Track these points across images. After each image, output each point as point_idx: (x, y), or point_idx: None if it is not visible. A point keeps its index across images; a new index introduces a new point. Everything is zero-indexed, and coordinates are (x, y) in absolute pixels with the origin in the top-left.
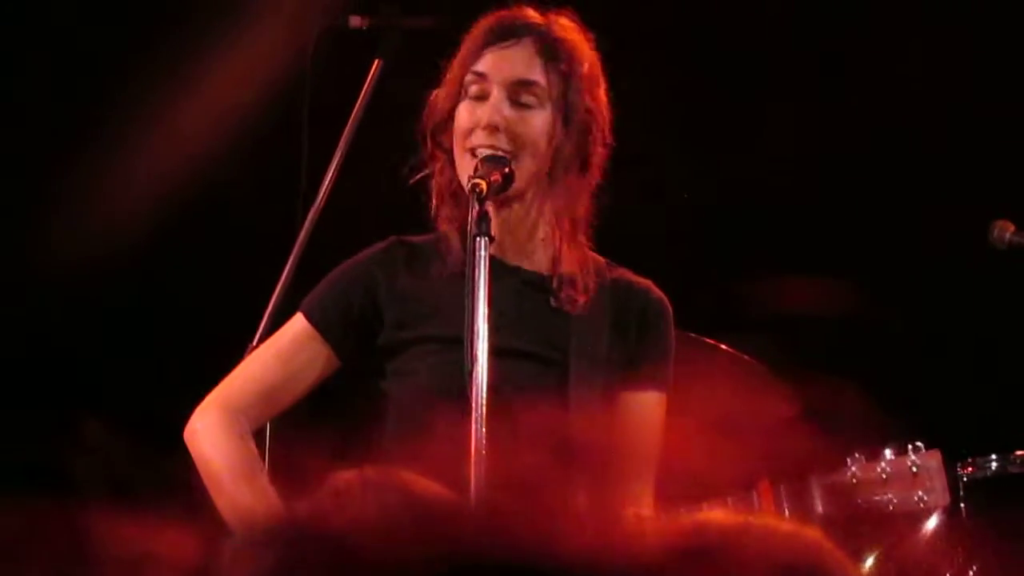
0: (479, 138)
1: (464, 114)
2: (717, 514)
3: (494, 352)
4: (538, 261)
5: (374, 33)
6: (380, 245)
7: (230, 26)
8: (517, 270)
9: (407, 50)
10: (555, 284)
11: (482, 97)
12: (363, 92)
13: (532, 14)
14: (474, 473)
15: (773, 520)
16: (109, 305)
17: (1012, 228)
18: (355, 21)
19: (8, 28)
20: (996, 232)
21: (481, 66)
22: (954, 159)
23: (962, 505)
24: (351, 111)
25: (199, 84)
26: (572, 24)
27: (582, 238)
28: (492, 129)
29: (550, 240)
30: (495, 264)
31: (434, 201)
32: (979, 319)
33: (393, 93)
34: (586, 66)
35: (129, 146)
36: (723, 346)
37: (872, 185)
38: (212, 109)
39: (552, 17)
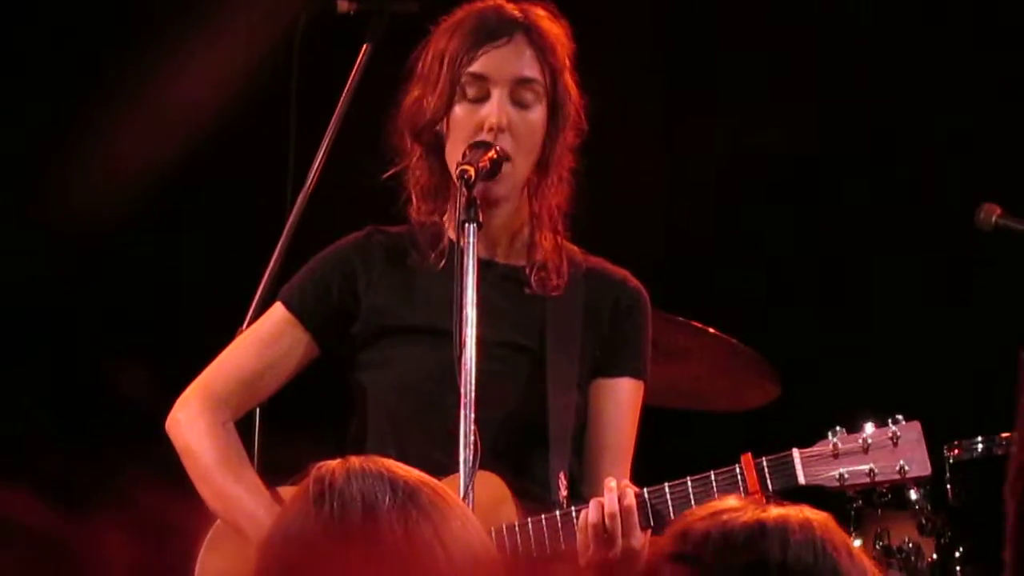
0: (480, 140)
1: (463, 117)
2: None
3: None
4: (513, 253)
5: (362, 17)
6: (358, 234)
7: (217, 10)
8: (491, 263)
9: (393, 35)
10: (528, 272)
11: (481, 99)
12: (351, 77)
13: (513, 9)
14: (462, 458)
15: (784, 510)
16: (93, 290)
17: (998, 211)
18: (343, 6)
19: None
20: (982, 215)
21: (478, 67)
22: (943, 141)
23: (948, 487)
24: (339, 96)
25: (184, 69)
26: (550, 14)
27: (559, 227)
28: (498, 131)
29: (526, 230)
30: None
31: (413, 197)
32: (965, 302)
33: (381, 78)
34: (567, 60)
35: (114, 130)
36: (711, 330)
37: (860, 168)
38: (198, 94)
39: (532, 9)
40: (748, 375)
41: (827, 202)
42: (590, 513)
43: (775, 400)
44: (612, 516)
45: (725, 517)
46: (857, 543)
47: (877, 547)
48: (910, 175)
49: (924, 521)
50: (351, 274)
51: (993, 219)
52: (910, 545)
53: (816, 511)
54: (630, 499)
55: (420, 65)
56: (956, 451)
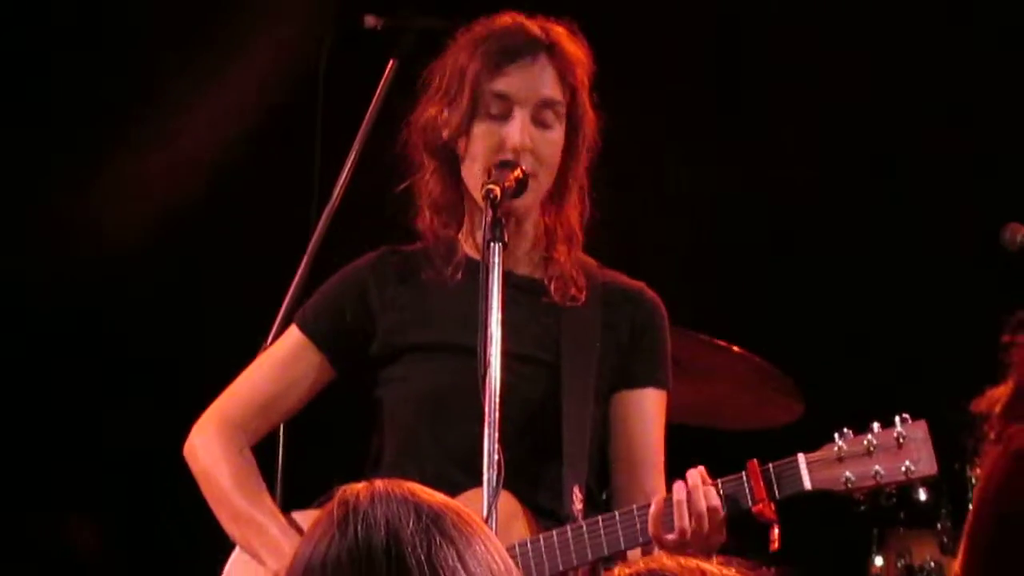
0: (506, 160)
1: (485, 135)
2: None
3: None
4: (529, 265)
5: (389, 33)
6: (372, 254)
7: (246, 26)
8: (507, 274)
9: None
10: (546, 283)
11: (503, 117)
12: (377, 92)
13: (536, 28)
14: (486, 478)
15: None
16: (119, 308)
17: None
18: (370, 21)
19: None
20: (1008, 235)
21: (502, 86)
22: (969, 159)
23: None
24: (365, 111)
25: (213, 84)
26: (572, 34)
27: (574, 241)
28: (521, 151)
29: (542, 243)
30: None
31: (425, 212)
32: (992, 322)
33: (408, 94)
34: (586, 77)
35: (144, 146)
36: (735, 348)
37: (882, 185)
38: (227, 109)
39: (554, 28)
40: (772, 393)
41: (852, 221)
42: (686, 516)
43: (800, 418)
44: (699, 516)
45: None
46: (879, 562)
47: (899, 566)
48: (935, 193)
49: (946, 540)
50: (365, 295)
51: (1019, 239)
52: (932, 564)
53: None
54: (715, 499)
55: (438, 80)
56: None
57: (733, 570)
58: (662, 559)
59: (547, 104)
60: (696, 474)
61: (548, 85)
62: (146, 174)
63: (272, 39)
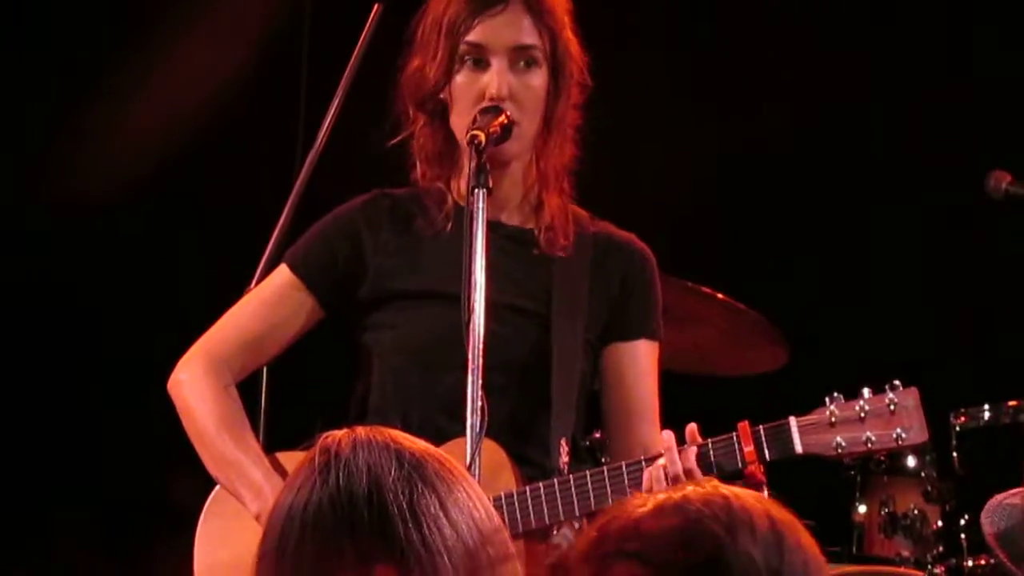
0: (489, 105)
1: (466, 85)
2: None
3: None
4: (520, 214)
5: None
6: (364, 197)
7: None
8: (498, 225)
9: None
10: (537, 234)
11: (481, 67)
12: (362, 38)
13: None
14: (469, 424)
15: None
16: (103, 253)
17: (1008, 178)
18: None
19: None
20: (992, 182)
21: (475, 36)
22: (953, 107)
23: (954, 455)
24: (350, 56)
25: (197, 29)
26: None
27: (565, 187)
28: (499, 100)
29: (533, 191)
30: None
31: (417, 163)
32: (975, 269)
33: (392, 38)
34: (567, 19)
35: (128, 92)
36: (720, 295)
37: (870, 135)
38: (211, 54)
39: None
40: (757, 340)
41: (837, 170)
42: (663, 479)
43: (784, 365)
44: (676, 478)
45: (688, 508)
46: (862, 510)
47: (882, 514)
48: (918, 143)
49: (930, 488)
50: (356, 237)
51: (1003, 186)
52: (915, 512)
53: (773, 503)
54: (691, 461)
55: (419, 32)
56: (963, 419)
57: (756, 498)
58: (686, 489)
59: (523, 50)
60: (670, 436)
61: (522, 31)
62: (130, 120)
63: None
